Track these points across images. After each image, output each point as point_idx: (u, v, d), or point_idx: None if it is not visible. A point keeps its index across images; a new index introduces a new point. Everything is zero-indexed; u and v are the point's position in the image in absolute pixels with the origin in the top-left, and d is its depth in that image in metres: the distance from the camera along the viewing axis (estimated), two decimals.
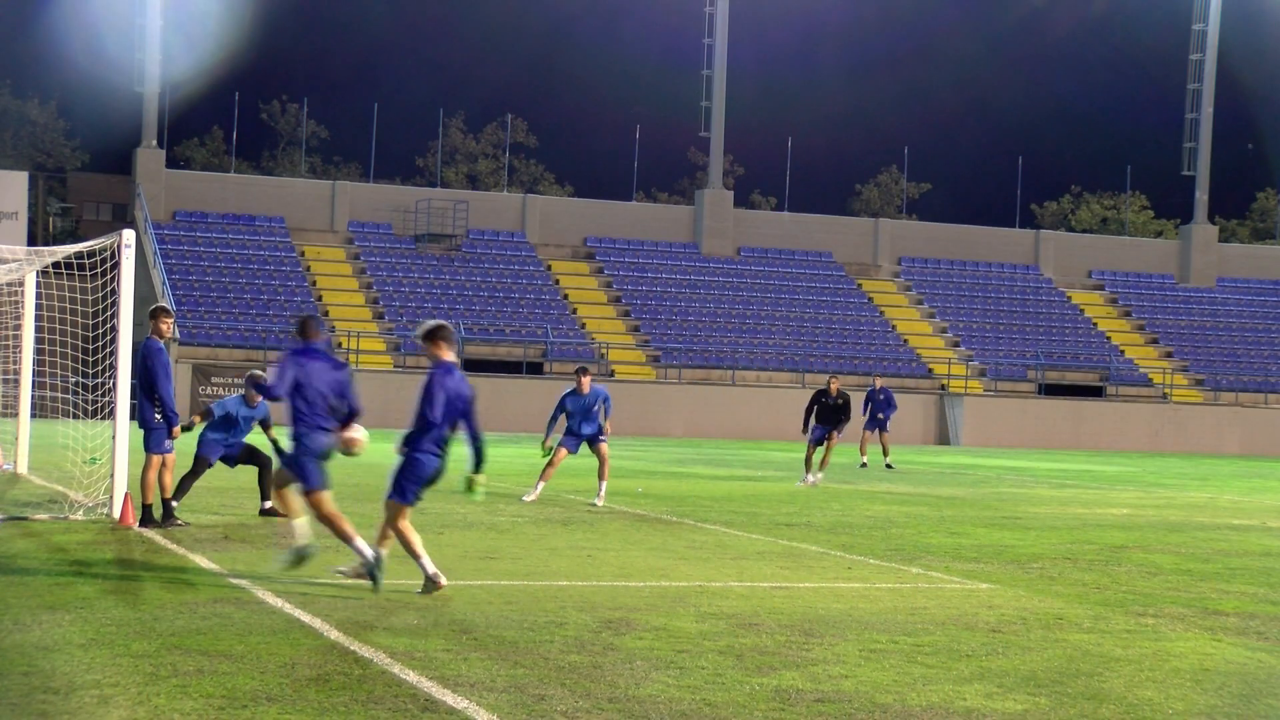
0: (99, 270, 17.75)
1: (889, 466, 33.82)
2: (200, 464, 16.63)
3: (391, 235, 64.49)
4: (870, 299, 67.58)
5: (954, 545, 16.46)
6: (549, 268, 64.79)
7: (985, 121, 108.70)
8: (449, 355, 11.65)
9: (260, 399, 16.58)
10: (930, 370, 62.27)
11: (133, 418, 15.89)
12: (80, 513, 16.30)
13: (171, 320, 16.18)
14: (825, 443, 26.36)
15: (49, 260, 20.24)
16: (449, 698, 7.84)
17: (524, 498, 20.66)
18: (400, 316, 58.47)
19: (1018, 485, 29.12)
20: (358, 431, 12.06)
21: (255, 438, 17.26)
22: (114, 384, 16.07)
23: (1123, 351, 67.54)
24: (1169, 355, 68.09)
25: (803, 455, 26.88)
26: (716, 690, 8.27)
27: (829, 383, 26.74)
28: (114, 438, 15.97)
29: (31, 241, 61.89)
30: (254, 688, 7.91)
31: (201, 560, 12.95)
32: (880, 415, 34.21)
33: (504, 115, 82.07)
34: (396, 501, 11.57)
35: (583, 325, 60.95)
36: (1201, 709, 8.31)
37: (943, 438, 58.86)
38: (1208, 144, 73.42)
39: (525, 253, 65.20)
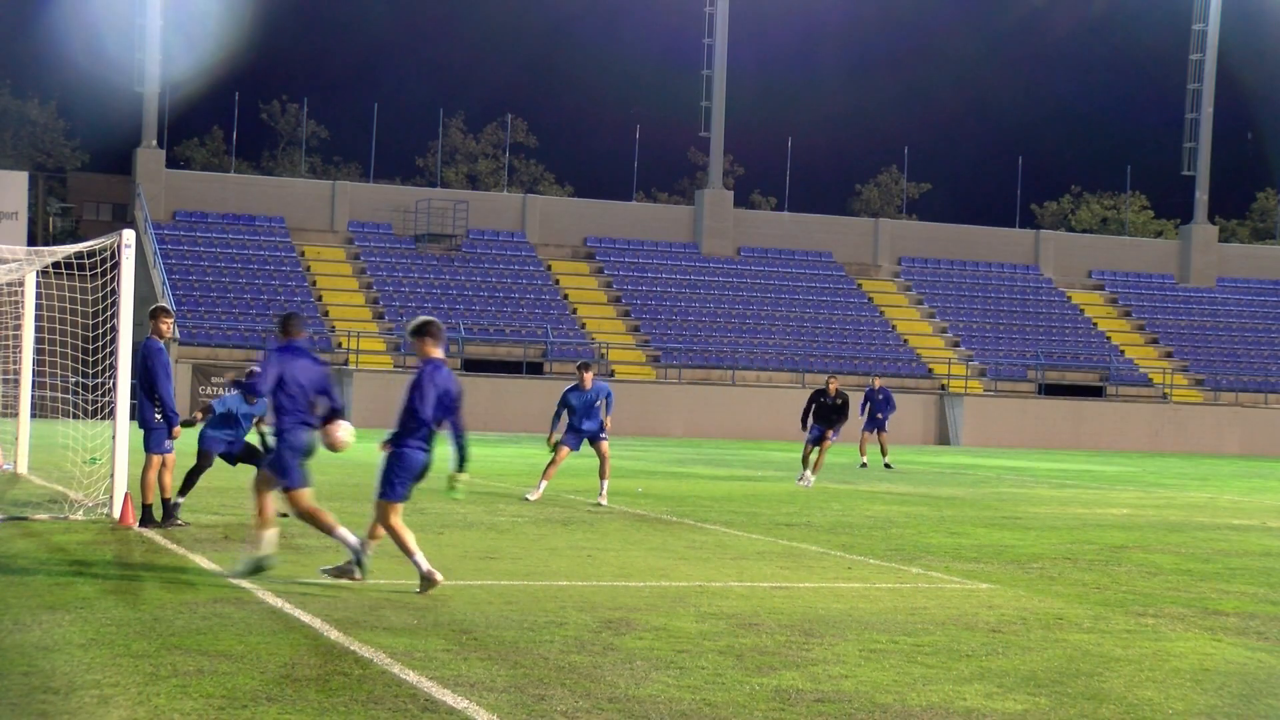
0: (99, 270, 17.75)
1: (887, 466, 33.80)
2: (205, 458, 16.63)
3: (391, 235, 64.50)
4: (870, 299, 67.59)
5: (954, 545, 16.46)
6: (549, 268, 64.80)
7: (985, 121, 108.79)
8: (437, 352, 11.68)
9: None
10: (930, 370, 62.27)
11: (133, 418, 15.90)
12: (80, 513, 16.30)
13: (171, 320, 16.19)
14: (820, 444, 26.31)
15: (49, 260, 20.25)
16: (449, 698, 7.84)
17: (527, 496, 20.69)
18: (400, 316, 58.44)
19: (1018, 485, 29.12)
20: (343, 428, 12.12)
21: (255, 437, 17.26)
22: (114, 384, 16.07)
23: (1123, 351, 67.55)
24: (1169, 355, 68.10)
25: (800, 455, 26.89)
26: (716, 690, 8.27)
27: (827, 383, 26.72)
28: (114, 438, 15.97)
29: (31, 241, 61.90)
30: (254, 688, 7.91)
31: (201, 560, 12.95)
32: (879, 415, 34.18)
33: (504, 115, 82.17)
34: (387, 499, 11.57)
35: (583, 325, 60.96)
36: (1201, 709, 8.31)
37: (943, 438, 58.86)
38: (1208, 144, 73.42)
39: (525, 253, 65.20)
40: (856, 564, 14.42)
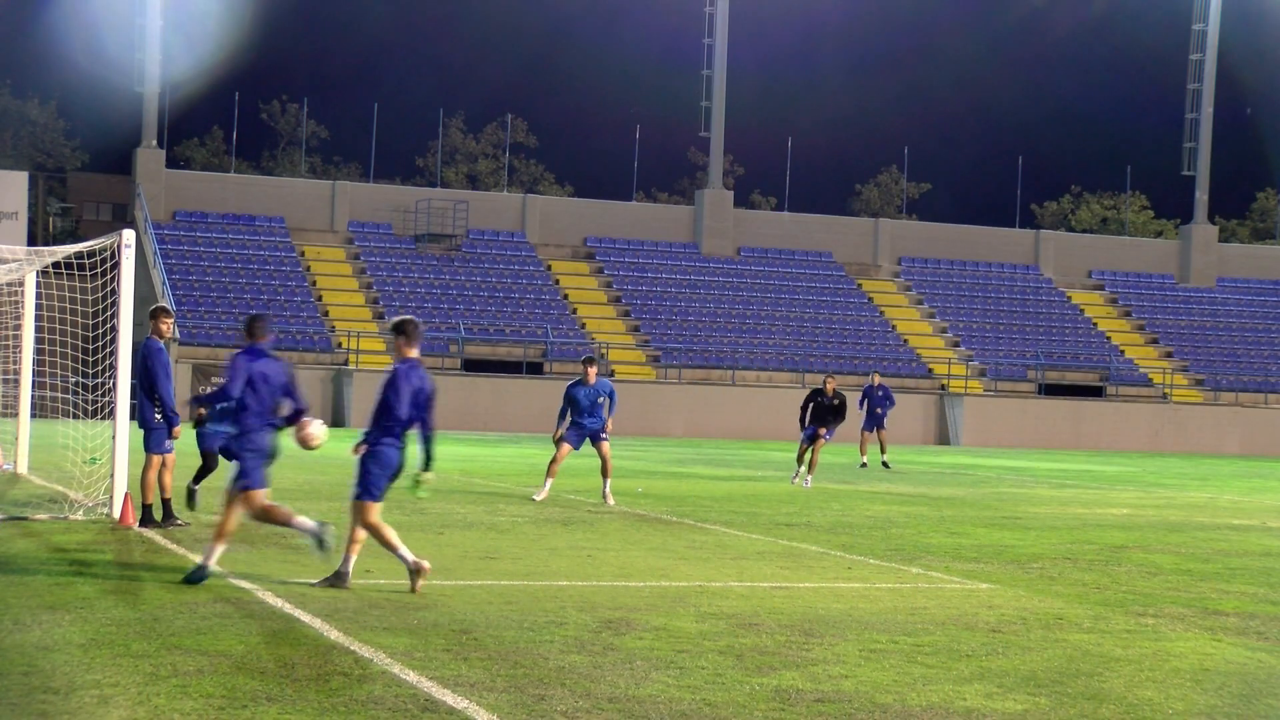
0: (99, 270, 17.75)
1: (885, 465, 33.74)
2: (209, 459, 16.65)
3: (391, 235, 64.50)
4: (870, 299, 67.59)
5: (954, 545, 16.46)
6: (549, 268, 64.80)
7: (985, 121, 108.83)
8: (413, 352, 11.71)
9: None
10: (930, 370, 62.28)
11: (133, 418, 15.90)
12: (80, 513, 16.30)
13: (171, 320, 16.19)
14: (814, 443, 26.18)
15: (49, 260, 20.24)
16: (449, 698, 7.84)
17: (534, 496, 20.70)
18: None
19: (1018, 485, 29.11)
20: (315, 425, 12.17)
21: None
22: (114, 384, 16.07)
23: (1123, 351, 67.55)
24: (1169, 355, 68.10)
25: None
26: (716, 690, 8.27)
27: (825, 382, 26.64)
28: (114, 438, 15.97)
29: (31, 241, 61.90)
30: (254, 688, 7.91)
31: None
32: (879, 411, 34.04)
33: (504, 115, 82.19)
34: (363, 500, 11.57)
35: (583, 325, 60.95)
36: (1201, 709, 8.31)
37: (943, 438, 58.86)
38: (1208, 144, 73.42)
39: (525, 253, 65.20)
40: (856, 564, 14.42)
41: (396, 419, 11.49)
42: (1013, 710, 8.07)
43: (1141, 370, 65.88)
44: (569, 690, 8.13)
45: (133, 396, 15.80)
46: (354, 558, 11.67)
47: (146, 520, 15.58)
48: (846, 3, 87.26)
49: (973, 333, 66.41)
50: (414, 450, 11.75)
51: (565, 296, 62.94)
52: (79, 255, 18.65)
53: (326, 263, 61.99)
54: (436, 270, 62.62)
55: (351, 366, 53.80)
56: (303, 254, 62.23)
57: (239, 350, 12.14)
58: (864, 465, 33.65)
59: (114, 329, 16.41)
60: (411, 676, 8.31)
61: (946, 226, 73.37)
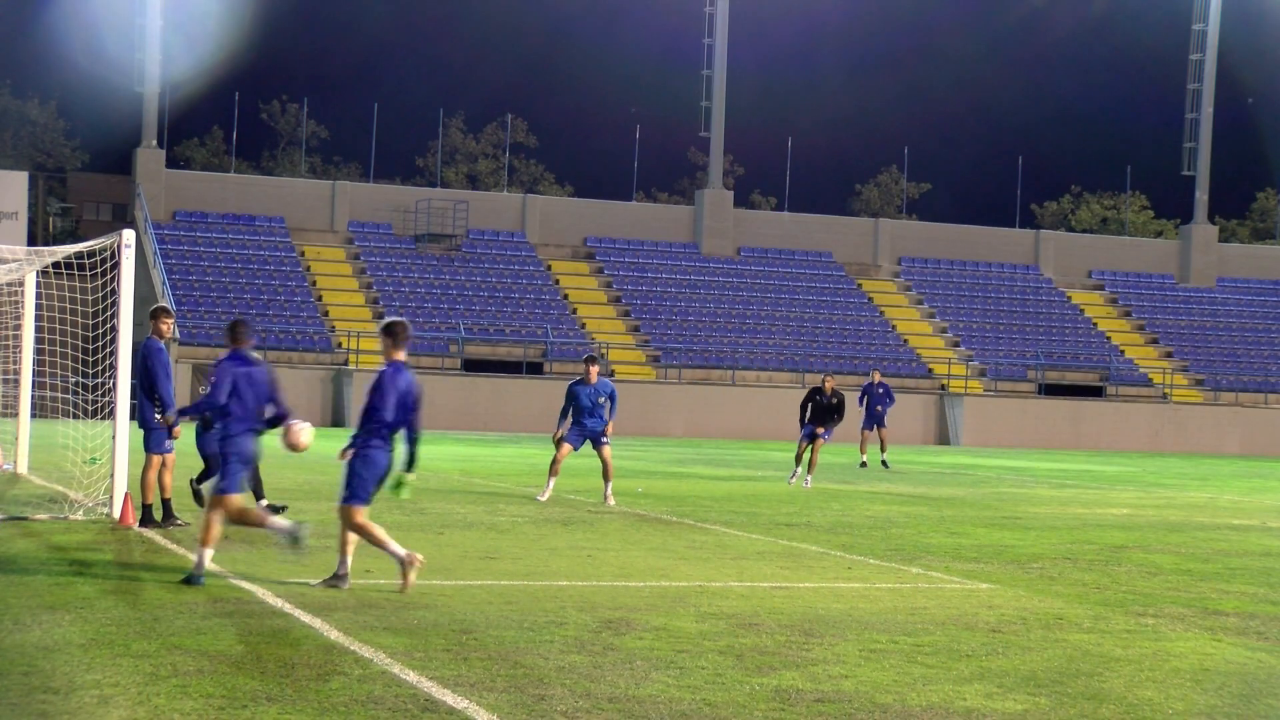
0: (99, 270, 17.75)
1: (884, 465, 33.71)
2: (213, 461, 16.62)
3: (391, 235, 64.50)
4: (870, 299, 67.59)
5: (954, 545, 16.46)
6: (549, 268, 64.80)
7: (985, 121, 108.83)
8: (400, 354, 11.70)
9: None
10: (930, 370, 62.28)
11: (133, 418, 15.90)
12: (80, 513, 16.30)
13: (172, 320, 16.19)
14: (814, 442, 26.11)
15: (49, 260, 20.25)
16: (449, 698, 7.84)
17: (538, 497, 20.69)
18: (400, 316, 58.42)
19: (1018, 485, 29.11)
20: (303, 429, 12.22)
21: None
22: (114, 384, 16.07)
23: (1123, 351, 67.55)
24: (1169, 355, 68.10)
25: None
26: (716, 690, 8.27)
27: (824, 381, 26.58)
28: (114, 438, 15.97)
29: (31, 241, 61.90)
30: (254, 688, 7.91)
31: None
32: (879, 408, 33.99)
33: (504, 115, 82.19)
34: (350, 503, 11.57)
35: (583, 325, 60.96)
36: (1201, 709, 8.31)
37: (943, 438, 58.86)
38: (1208, 144, 73.42)
39: (525, 253, 65.21)
40: (856, 564, 14.42)
41: (383, 422, 11.49)
42: (1013, 710, 8.07)
43: (1141, 370, 65.88)
44: (569, 690, 8.13)
45: (133, 396, 15.80)
46: (350, 558, 11.67)
47: (146, 520, 15.58)
48: (846, 3, 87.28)
49: (973, 333, 66.41)
50: (400, 451, 11.77)
51: (565, 296, 62.95)
52: (79, 255, 18.65)
53: (326, 263, 61.99)
54: (436, 270, 62.62)
55: (351, 366, 53.79)
56: (303, 254, 62.23)
57: (223, 356, 12.15)
58: (864, 465, 33.58)
59: (114, 329, 16.42)
60: (411, 676, 8.31)
61: (946, 226, 73.36)
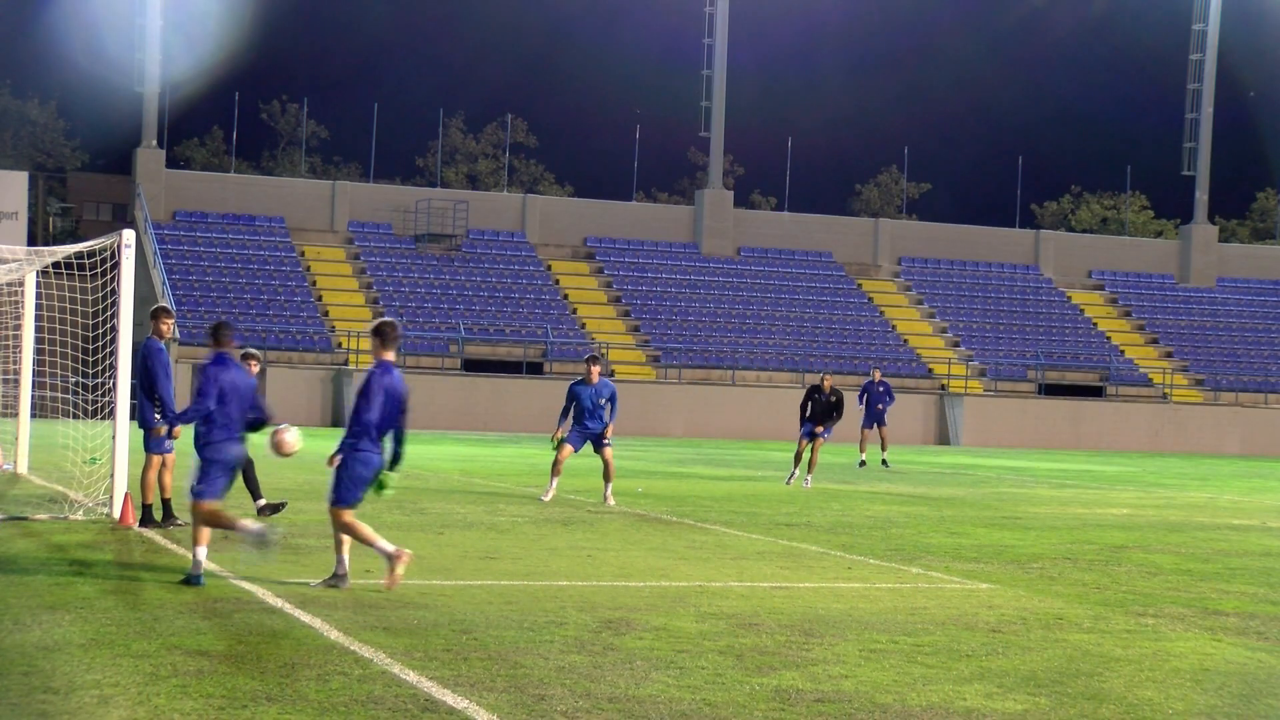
0: (99, 270, 17.75)
1: (885, 464, 33.68)
2: None
3: (391, 235, 64.50)
4: (870, 299, 67.60)
5: (954, 545, 16.46)
6: (549, 268, 64.81)
7: (985, 121, 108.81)
8: (389, 355, 11.70)
9: (254, 371, 16.85)
10: (930, 370, 62.28)
11: (133, 418, 15.90)
12: (80, 513, 16.30)
13: (172, 321, 16.19)
14: (813, 441, 26.04)
15: (49, 260, 20.25)
16: (449, 698, 7.84)
17: (541, 497, 20.66)
18: (400, 316, 58.42)
19: (1018, 485, 29.11)
20: (291, 433, 12.27)
21: None
22: (114, 384, 16.07)
23: (1123, 351, 67.55)
24: (1169, 355, 68.10)
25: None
26: (716, 690, 8.27)
27: (822, 379, 26.51)
28: (114, 438, 15.97)
29: (31, 241, 61.91)
30: (254, 688, 7.91)
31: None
32: (880, 407, 33.97)
33: (504, 115, 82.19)
34: (340, 505, 11.58)
35: (583, 325, 60.96)
36: (1201, 709, 8.31)
37: (943, 438, 58.86)
38: (1208, 144, 73.42)
39: (525, 253, 65.21)
40: (856, 564, 14.42)
41: (370, 423, 11.51)
42: (1013, 710, 8.07)
43: (1141, 370, 65.88)
44: (569, 690, 8.13)
45: (133, 396, 15.79)
46: (348, 558, 11.68)
47: (146, 520, 15.58)
48: (846, 3, 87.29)
49: (973, 333, 66.42)
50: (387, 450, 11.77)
51: (565, 296, 62.95)
52: (79, 255, 18.65)
53: (326, 263, 61.99)
54: (436, 270, 62.62)
55: (351, 366, 53.78)
56: (303, 254, 62.23)
57: (207, 360, 12.14)
58: (863, 464, 33.49)
59: (114, 329, 16.42)
60: (411, 676, 8.31)
61: (946, 226, 73.37)
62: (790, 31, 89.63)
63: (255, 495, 17.04)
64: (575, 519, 18.07)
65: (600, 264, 65.80)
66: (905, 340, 64.82)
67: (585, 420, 20.72)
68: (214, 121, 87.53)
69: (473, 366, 56.66)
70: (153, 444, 15.65)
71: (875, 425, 34.05)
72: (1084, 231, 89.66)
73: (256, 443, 13.64)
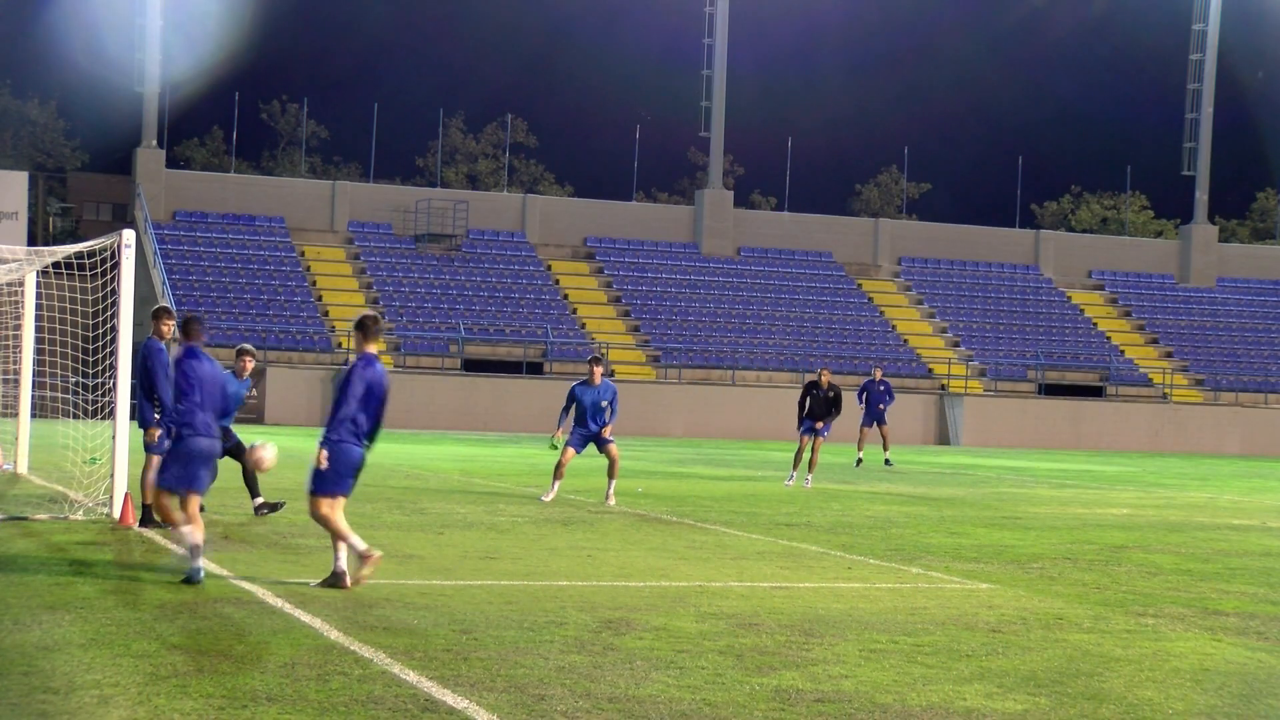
0: (99, 270, 17.75)
1: (888, 463, 33.65)
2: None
3: (391, 235, 64.51)
4: (870, 299, 67.60)
5: (954, 545, 16.46)
6: (549, 268, 64.81)
7: (985, 121, 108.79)
8: (372, 347, 11.80)
9: (249, 369, 16.92)
10: (930, 370, 62.28)
11: (133, 418, 15.90)
12: (80, 513, 16.30)
13: (173, 321, 16.17)
14: (814, 440, 25.95)
15: (49, 260, 20.25)
16: (449, 698, 7.84)
17: (542, 498, 20.61)
18: (400, 316, 58.47)
19: (1018, 485, 29.11)
20: (268, 449, 12.38)
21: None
22: (114, 384, 16.07)
23: (1123, 351, 67.56)
24: (1169, 355, 68.11)
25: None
26: (716, 690, 8.27)
27: (820, 374, 26.40)
28: (114, 438, 15.97)
29: (31, 241, 61.90)
30: (254, 688, 7.91)
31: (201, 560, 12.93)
32: (881, 406, 33.95)
33: (504, 115, 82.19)
34: (318, 496, 11.58)
35: (583, 325, 60.97)
36: (1201, 709, 8.31)
37: (943, 438, 58.86)
38: (1208, 144, 73.43)
39: (525, 253, 65.21)
40: (856, 564, 14.42)
41: (351, 415, 11.54)
42: (1013, 710, 8.07)
43: (1141, 370, 65.89)
44: (569, 690, 8.13)
45: (133, 396, 15.79)
46: (344, 555, 11.67)
47: (146, 520, 15.57)
48: (846, 3, 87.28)
49: (973, 333, 66.42)
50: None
51: (565, 296, 62.95)
52: (79, 255, 18.65)
53: (326, 263, 62.00)
54: (436, 270, 62.62)
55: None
56: (303, 254, 62.24)
57: (179, 355, 12.21)
58: (860, 462, 33.29)
59: (114, 329, 16.42)
60: (411, 676, 8.31)
61: (946, 226, 73.38)
62: (790, 31, 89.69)
63: (254, 493, 17.04)
64: (575, 519, 18.07)
65: (600, 264, 65.81)
66: (905, 340, 64.83)
67: (587, 422, 20.67)
68: (214, 121, 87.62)
69: (473, 366, 56.66)
70: (152, 444, 15.64)
71: (875, 424, 34.04)
72: (1084, 231, 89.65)
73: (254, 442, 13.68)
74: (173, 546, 12.24)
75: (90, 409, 20.19)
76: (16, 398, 22.92)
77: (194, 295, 56.78)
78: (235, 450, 16.56)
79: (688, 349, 60.04)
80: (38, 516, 16.00)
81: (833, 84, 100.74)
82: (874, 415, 34.06)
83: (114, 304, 16.62)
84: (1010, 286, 70.84)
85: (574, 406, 20.67)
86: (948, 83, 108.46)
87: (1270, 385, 66.38)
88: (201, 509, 16.42)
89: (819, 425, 25.90)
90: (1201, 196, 74.25)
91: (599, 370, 20.69)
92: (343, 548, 11.68)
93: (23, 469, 22.30)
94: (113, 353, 16.41)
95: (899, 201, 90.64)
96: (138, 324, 19.87)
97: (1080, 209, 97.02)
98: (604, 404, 20.67)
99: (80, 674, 8.13)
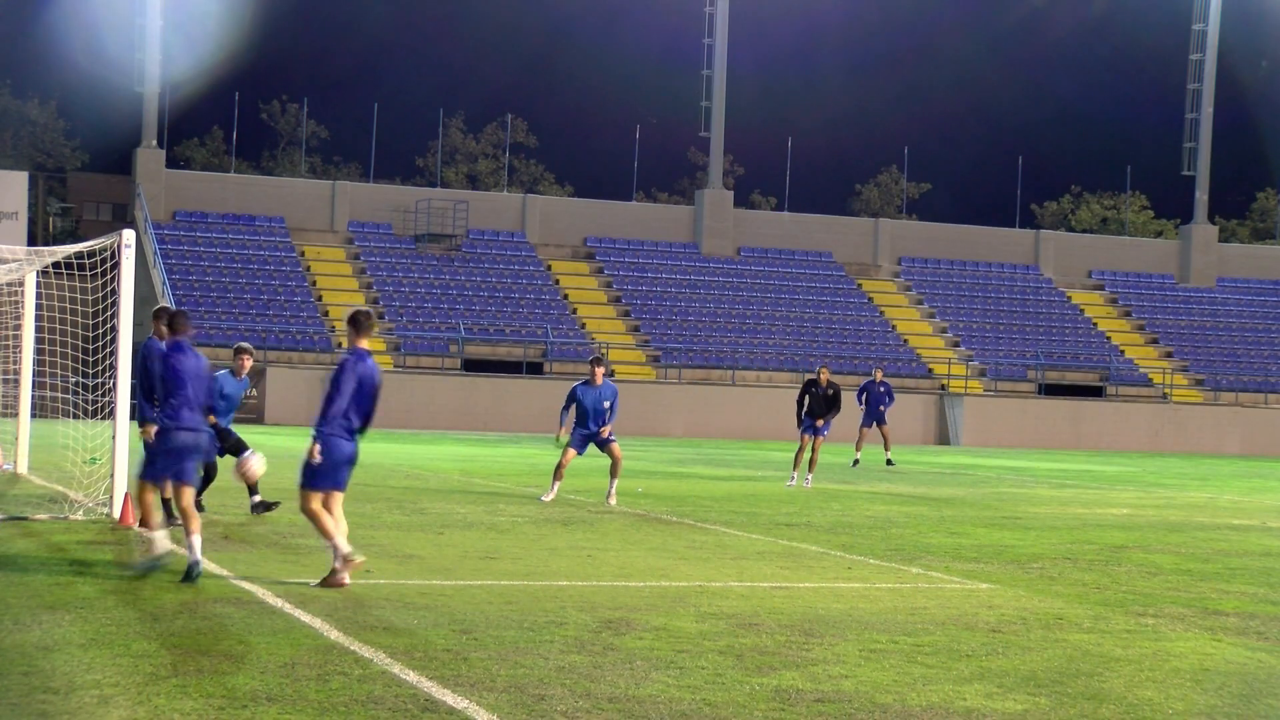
0: (99, 270, 17.76)
1: (889, 463, 33.64)
2: (210, 468, 16.56)
3: (391, 235, 64.51)
4: (870, 299, 67.59)
5: (954, 545, 16.46)
6: (549, 268, 64.81)
7: (985, 121, 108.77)
8: (364, 343, 11.83)
9: (247, 368, 16.94)
10: (930, 370, 62.28)
11: (133, 418, 15.89)
12: (80, 513, 16.30)
13: None
14: (814, 439, 25.89)
15: (49, 260, 20.25)
16: (449, 698, 7.84)
17: (542, 498, 20.59)
18: (400, 316, 58.47)
19: (1018, 485, 29.11)
20: (256, 459, 12.43)
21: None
22: (114, 384, 16.07)
23: (1123, 351, 67.55)
24: (1169, 355, 68.10)
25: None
26: (716, 690, 8.27)
27: (819, 372, 26.34)
28: (114, 438, 15.97)
29: (31, 241, 61.89)
30: (254, 688, 7.91)
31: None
32: (881, 408, 33.94)
33: (504, 115, 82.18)
34: (307, 490, 11.60)
35: (583, 325, 60.97)
36: (1201, 709, 8.31)
37: (943, 438, 58.85)
38: (1208, 144, 73.42)
39: (525, 253, 65.21)
40: (856, 564, 14.42)
41: (342, 409, 11.57)
42: (1013, 710, 8.07)
43: (1141, 370, 65.89)
44: (569, 690, 8.13)
45: (133, 396, 15.79)
46: (344, 542, 11.66)
47: (146, 520, 15.55)
48: (846, 3, 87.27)
49: (973, 333, 66.42)
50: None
51: (565, 296, 62.95)
52: (79, 255, 18.66)
53: (326, 263, 62.00)
54: (436, 270, 62.62)
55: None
56: (303, 254, 62.24)
57: (166, 349, 12.27)
58: (856, 463, 33.17)
59: (114, 329, 16.42)
60: (411, 676, 8.31)
61: (946, 226, 73.37)
62: (790, 31, 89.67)
63: (251, 491, 17.03)
64: (575, 519, 18.07)
65: (600, 264, 65.80)
66: (905, 340, 64.83)
67: (588, 422, 20.65)
68: (214, 121, 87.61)
69: (473, 366, 56.65)
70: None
71: (875, 425, 34.04)
72: (1084, 231, 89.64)
73: (256, 442, 13.69)
74: (177, 549, 12.22)
75: (90, 409, 20.19)
76: (17, 398, 22.92)
77: (194, 295, 56.78)
78: (235, 449, 16.56)
79: (688, 349, 60.04)
80: (38, 516, 16.00)
81: (833, 84, 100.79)
82: (874, 416, 34.05)
83: (114, 304, 16.62)
84: (1010, 286, 70.84)
85: (575, 407, 20.65)
86: (948, 83, 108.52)
87: (1270, 385, 66.38)
88: (201, 509, 16.48)
89: (819, 424, 25.84)
90: (1201, 196, 74.25)
91: (600, 371, 20.65)
92: (343, 537, 11.67)
93: (23, 469, 22.30)
94: (113, 353, 16.41)
95: (899, 201, 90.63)
96: (138, 324, 19.88)
97: (1080, 209, 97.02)
98: (606, 404, 20.66)
99: (80, 674, 8.13)
